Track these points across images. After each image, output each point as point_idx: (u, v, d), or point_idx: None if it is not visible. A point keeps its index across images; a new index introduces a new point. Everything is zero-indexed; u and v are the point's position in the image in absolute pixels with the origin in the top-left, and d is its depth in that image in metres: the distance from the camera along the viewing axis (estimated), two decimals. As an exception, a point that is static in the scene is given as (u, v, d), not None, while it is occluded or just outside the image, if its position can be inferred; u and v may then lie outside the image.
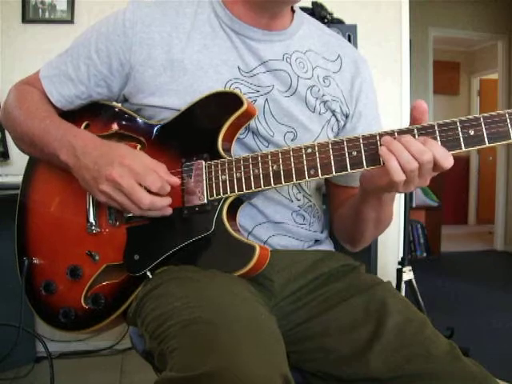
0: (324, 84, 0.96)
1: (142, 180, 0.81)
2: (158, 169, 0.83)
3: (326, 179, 1.03)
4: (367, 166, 0.76)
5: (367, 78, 1.02)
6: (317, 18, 1.06)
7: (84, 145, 0.86)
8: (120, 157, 0.82)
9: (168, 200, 0.84)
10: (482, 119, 0.71)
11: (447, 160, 0.72)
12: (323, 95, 0.95)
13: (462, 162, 6.60)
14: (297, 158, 0.80)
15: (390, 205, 0.91)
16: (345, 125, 1.00)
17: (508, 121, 0.70)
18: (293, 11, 0.99)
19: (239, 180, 0.83)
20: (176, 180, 0.85)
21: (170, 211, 0.85)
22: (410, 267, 2.16)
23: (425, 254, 4.91)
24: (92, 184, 0.84)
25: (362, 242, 1.01)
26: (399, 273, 2.14)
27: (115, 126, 0.94)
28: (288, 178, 0.81)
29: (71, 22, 2.25)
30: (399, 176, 0.73)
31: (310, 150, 0.80)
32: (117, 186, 0.81)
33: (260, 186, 0.82)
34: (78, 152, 0.85)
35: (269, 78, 0.92)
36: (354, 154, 0.77)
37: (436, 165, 0.72)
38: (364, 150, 0.76)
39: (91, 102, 0.97)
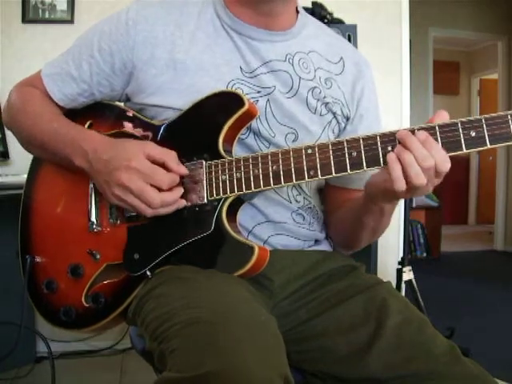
0: (326, 86, 0.96)
1: (150, 180, 0.82)
2: (166, 158, 0.83)
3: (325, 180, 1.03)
4: (367, 167, 0.76)
5: (369, 81, 1.02)
6: (317, 18, 1.06)
7: (94, 149, 0.86)
8: (127, 160, 0.82)
9: (179, 192, 0.84)
10: (483, 120, 0.71)
11: (444, 165, 0.72)
12: (324, 97, 0.95)
13: (462, 162, 6.60)
14: (296, 159, 0.80)
15: (389, 216, 0.91)
16: (345, 127, 1.00)
17: (510, 122, 0.69)
18: (297, 12, 0.99)
19: (239, 180, 0.83)
20: (184, 170, 0.84)
21: (183, 203, 0.85)
22: (409, 267, 2.15)
23: (425, 254, 4.91)
24: (105, 187, 0.85)
25: (357, 246, 1.02)
26: (399, 273, 2.14)
27: (118, 126, 0.94)
28: (287, 179, 0.80)
29: (71, 21, 2.25)
30: (401, 185, 0.73)
31: (310, 151, 0.80)
32: (127, 190, 0.82)
33: (260, 187, 0.82)
34: (90, 157, 0.86)
35: (270, 79, 0.92)
36: (354, 154, 0.77)
37: (436, 170, 0.72)
38: (364, 151, 0.76)
39: (94, 101, 0.97)
